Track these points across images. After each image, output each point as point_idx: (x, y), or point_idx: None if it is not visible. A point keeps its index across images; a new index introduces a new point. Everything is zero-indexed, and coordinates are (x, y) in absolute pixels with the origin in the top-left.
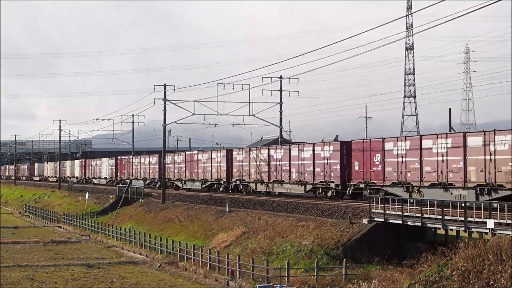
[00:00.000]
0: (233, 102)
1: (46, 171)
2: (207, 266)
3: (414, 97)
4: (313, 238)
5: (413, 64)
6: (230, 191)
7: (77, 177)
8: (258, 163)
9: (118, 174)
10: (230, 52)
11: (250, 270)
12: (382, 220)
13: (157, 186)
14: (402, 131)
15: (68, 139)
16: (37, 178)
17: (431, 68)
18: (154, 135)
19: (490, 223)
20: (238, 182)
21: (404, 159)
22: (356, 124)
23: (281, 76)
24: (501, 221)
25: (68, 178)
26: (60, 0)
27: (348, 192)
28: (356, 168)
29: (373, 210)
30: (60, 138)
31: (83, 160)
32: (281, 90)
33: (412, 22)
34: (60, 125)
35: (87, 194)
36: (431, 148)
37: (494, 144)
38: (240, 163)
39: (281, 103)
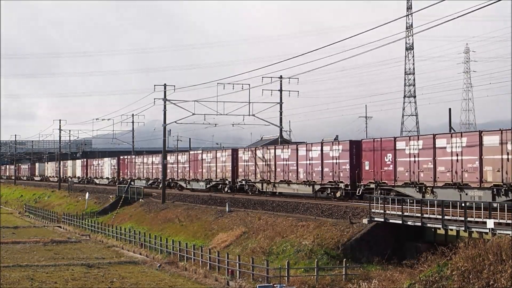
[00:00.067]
0: (233, 102)
1: (47, 171)
2: (207, 266)
3: (414, 97)
4: (313, 238)
5: (413, 64)
6: (233, 191)
7: (78, 177)
8: (264, 162)
9: (121, 174)
10: (230, 52)
11: (250, 270)
12: (382, 220)
13: (161, 186)
14: (402, 131)
15: (68, 139)
16: (38, 178)
17: (431, 68)
18: (154, 135)
19: (490, 223)
20: (243, 182)
21: (416, 159)
22: (356, 124)
23: (281, 76)
24: (501, 221)
25: (69, 178)
26: (60, 0)
27: (358, 193)
28: (367, 168)
29: (373, 210)
30: (60, 138)
31: (85, 160)
32: (281, 90)
33: (412, 22)
34: (60, 125)
35: (87, 194)
36: (445, 147)
37: None
38: (245, 163)
39: (281, 103)
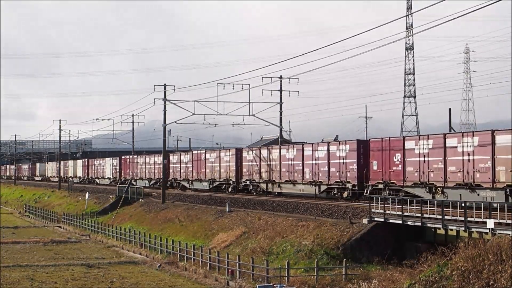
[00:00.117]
0: (233, 102)
1: (47, 171)
2: (207, 266)
3: (414, 97)
4: (313, 238)
5: (413, 64)
6: (237, 191)
7: (79, 177)
8: (269, 162)
9: (122, 174)
10: (230, 52)
11: (250, 270)
12: (382, 220)
13: None
14: (402, 131)
15: (68, 139)
16: (39, 178)
17: (431, 68)
18: (154, 135)
19: (490, 223)
20: (248, 183)
21: (426, 159)
22: (356, 124)
23: (281, 76)
24: (501, 221)
25: (70, 178)
26: (60, 0)
27: (366, 193)
28: (375, 168)
29: (373, 210)
30: (60, 138)
31: (86, 160)
32: (281, 90)
33: (412, 22)
34: (60, 125)
35: (87, 194)
36: (456, 147)
37: None
38: (250, 163)
39: (281, 103)
